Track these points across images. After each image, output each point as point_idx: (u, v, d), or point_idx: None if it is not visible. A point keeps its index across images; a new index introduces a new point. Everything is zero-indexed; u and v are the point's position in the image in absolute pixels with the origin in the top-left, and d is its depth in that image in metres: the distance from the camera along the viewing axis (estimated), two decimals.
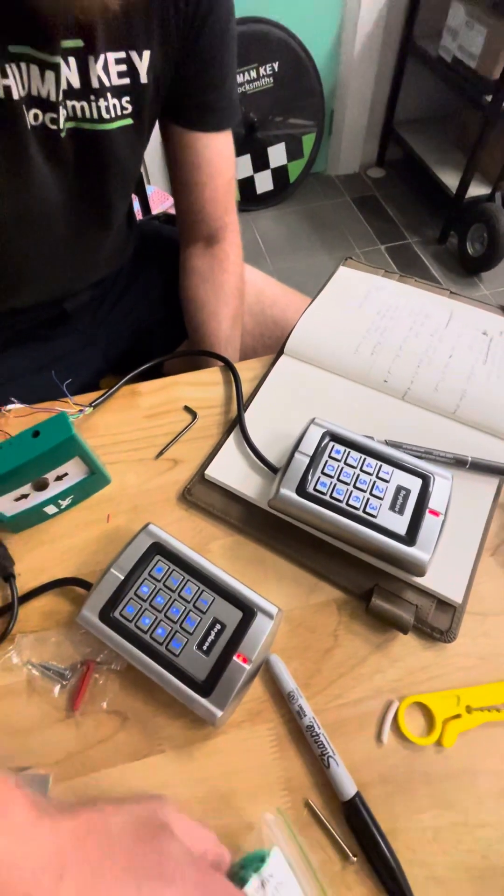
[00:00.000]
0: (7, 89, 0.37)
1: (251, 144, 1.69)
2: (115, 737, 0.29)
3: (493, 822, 0.27)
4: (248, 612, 0.30)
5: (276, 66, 1.58)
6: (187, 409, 0.43)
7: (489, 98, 1.37)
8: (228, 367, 0.45)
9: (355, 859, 0.26)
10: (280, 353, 0.44)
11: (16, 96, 0.37)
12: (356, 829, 0.26)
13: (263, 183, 1.82)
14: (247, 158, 1.72)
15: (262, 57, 1.54)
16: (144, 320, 0.69)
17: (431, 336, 0.43)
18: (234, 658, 0.28)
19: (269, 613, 0.30)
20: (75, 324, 0.63)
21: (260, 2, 1.46)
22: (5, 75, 0.36)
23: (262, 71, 1.57)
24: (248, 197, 1.83)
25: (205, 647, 0.29)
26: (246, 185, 1.79)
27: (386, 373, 0.41)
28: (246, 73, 1.55)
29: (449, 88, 1.57)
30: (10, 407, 0.42)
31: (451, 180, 1.66)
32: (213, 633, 0.29)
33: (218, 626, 0.30)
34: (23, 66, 0.37)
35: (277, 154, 1.78)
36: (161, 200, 1.32)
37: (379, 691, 0.30)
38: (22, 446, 0.31)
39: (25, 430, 0.31)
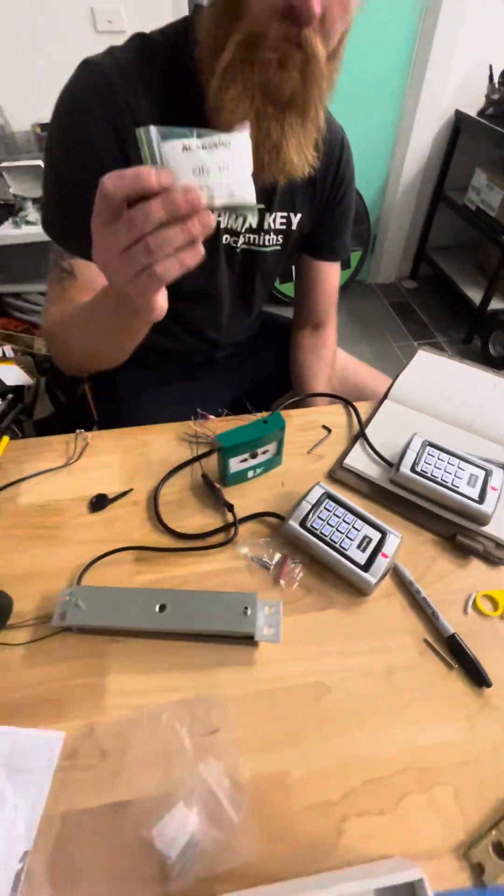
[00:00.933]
0: (218, 222, 0.65)
1: None
2: (304, 598, 0.49)
3: None
4: (384, 532, 0.51)
5: None
6: (324, 426, 0.66)
7: None
8: (347, 404, 0.69)
9: (455, 666, 0.44)
10: (384, 398, 0.68)
11: (220, 226, 0.65)
12: (453, 650, 0.45)
13: None
14: (339, 264, 2.13)
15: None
16: (260, 374, 0.95)
17: (484, 395, 0.67)
18: (380, 555, 0.49)
19: (396, 535, 0.51)
20: (216, 371, 0.89)
21: None
22: (218, 214, 0.64)
23: None
24: None
25: (361, 548, 0.50)
26: None
27: (454, 414, 0.65)
28: None
29: (472, 227, 1.97)
30: (211, 417, 0.66)
31: (474, 295, 2.01)
32: (365, 542, 0.50)
33: (367, 539, 0.50)
34: (226, 212, 0.65)
35: None
36: None
37: (462, 588, 0.50)
38: (256, 428, 0.54)
39: (258, 419, 0.55)
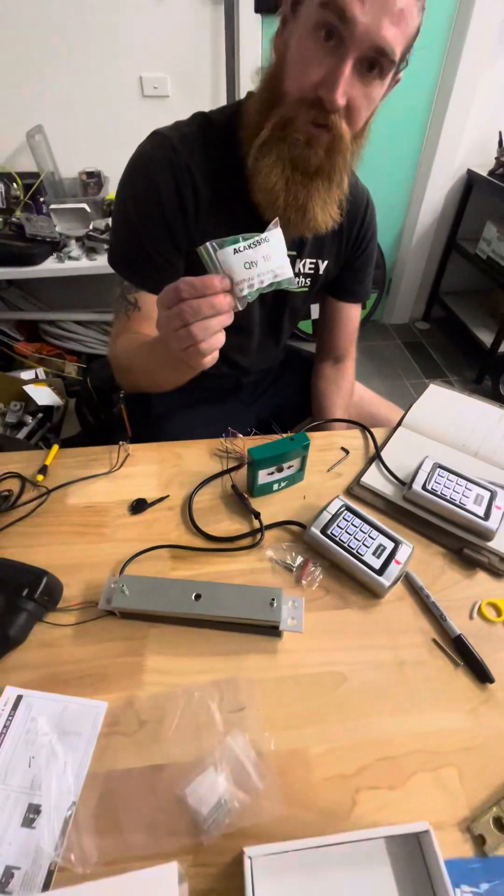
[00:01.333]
0: None
1: None
2: (323, 598, 0.54)
3: None
4: (397, 542, 0.56)
5: None
6: (343, 448, 0.73)
7: None
8: (364, 429, 0.75)
9: (461, 664, 0.49)
10: (398, 425, 0.75)
11: None
12: (459, 649, 0.49)
13: None
14: (360, 305, 2.25)
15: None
16: (283, 401, 1.03)
17: (490, 426, 0.73)
18: (393, 562, 0.54)
19: (408, 545, 0.56)
20: (242, 395, 0.97)
21: None
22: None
23: None
24: None
25: (376, 555, 0.55)
26: None
27: (463, 442, 0.71)
28: None
29: (483, 275, 2.08)
30: (240, 436, 0.73)
31: (485, 337, 2.10)
32: (379, 550, 0.55)
33: (382, 547, 0.56)
34: None
35: None
36: None
37: (469, 596, 0.55)
38: (283, 444, 0.61)
39: (286, 437, 0.61)
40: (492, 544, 0.58)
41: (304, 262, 0.79)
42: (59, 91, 1.66)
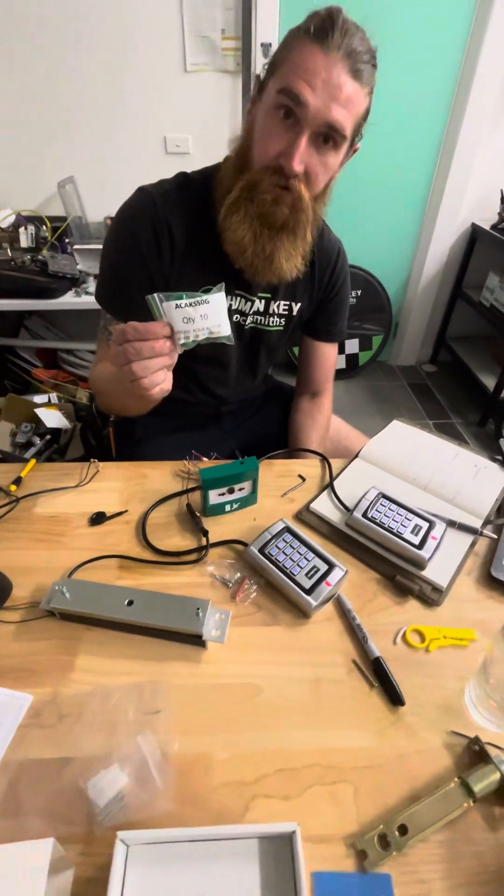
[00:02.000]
0: (229, 305, 0.80)
1: None
2: (254, 614, 0.57)
3: (451, 686, 0.50)
4: (331, 565, 0.58)
5: (358, 292, 2.25)
6: (300, 476, 0.76)
7: None
8: (323, 459, 0.79)
9: (376, 686, 0.50)
10: (355, 457, 0.78)
11: (231, 308, 0.80)
12: (376, 672, 0.51)
13: (338, 363, 2.39)
14: (337, 344, 2.32)
15: (351, 286, 2.22)
16: (262, 431, 1.07)
17: (444, 462, 0.76)
18: (323, 583, 0.57)
19: (342, 568, 0.58)
20: (223, 423, 1.02)
21: (352, 255, 2.17)
22: (231, 299, 0.79)
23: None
24: None
25: (308, 576, 0.57)
26: None
27: (414, 475, 0.73)
28: None
29: (487, 321, 2.13)
30: (204, 458, 0.77)
31: (489, 382, 2.12)
32: (312, 571, 0.58)
33: (315, 569, 0.58)
34: (238, 297, 0.81)
35: (352, 345, 2.37)
36: None
37: (396, 622, 0.56)
38: (234, 467, 0.65)
39: (237, 460, 0.66)
40: (425, 573, 0.60)
41: (279, 304, 0.86)
42: (91, 147, 1.85)
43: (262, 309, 0.85)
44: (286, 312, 0.87)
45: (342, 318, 0.96)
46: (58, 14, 1.61)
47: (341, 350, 2.36)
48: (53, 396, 1.96)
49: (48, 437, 1.73)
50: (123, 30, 1.65)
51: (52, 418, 1.74)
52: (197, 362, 0.87)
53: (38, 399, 1.90)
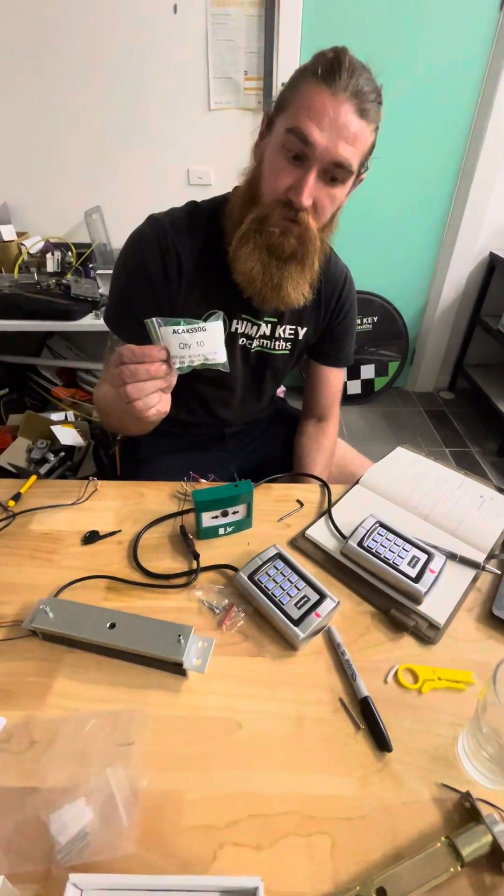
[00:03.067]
0: (235, 329, 0.80)
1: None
2: (240, 644, 0.55)
3: (444, 733, 0.47)
4: (322, 595, 0.56)
5: (375, 318, 2.25)
6: (298, 501, 0.74)
7: None
8: (323, 484, 0.77)
9: (362, 728, 0.47)
10: (355, 483, 0.76)
11: (238, 332, 0.81)
12: (364, 712, 0.48)
13: (354, 388, 2.38)
14: (344, 370, 2.32)
15: (367, 312, 2.22)
16: (267, 454, 1.06)
17: (447, 491, 0.73)
18: (313, 614, 0.54)
19: (334, 599, 0.56)
20: (227, 445, 1.01)
21: (369, 281, 2.18)
22: (237, 323, 0.80)
23: (365, 320, 2.24)
24: (342, 396, 2.38)
25: (298, 605, 0.55)
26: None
27: (416, 503, 0.71)
28: None
29: None
30: (202, 480, 0.77)
31: None
32: (303, 601, 0.56)
33: (306, 598, 0.56)
34: (244, 322, 0.81)
35: (368, 371, 2.36)
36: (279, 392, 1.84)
37: (388, 659, 0.53)
38: (228, 490, 0.64)
39: (232, 482, 0.65)
40: (422, 608, 0.57)
41: (285, 328, 0.86)
42: (118, 178, 1.93)
43: (268, 333, 0.85)
44: (292, 337, 0.87)
45: (348, 343, 0.95)
46: (93, 57, 1.71)
47: (356, 375, 2.36)
48: (70, 414, 2.00)
49: (62, 454, 1.76)
50: (153, 70, 1.75)
51: (67, 436, 1.76)
52: (202, 384, 0.88)
53: (55, 416, 1.94)
